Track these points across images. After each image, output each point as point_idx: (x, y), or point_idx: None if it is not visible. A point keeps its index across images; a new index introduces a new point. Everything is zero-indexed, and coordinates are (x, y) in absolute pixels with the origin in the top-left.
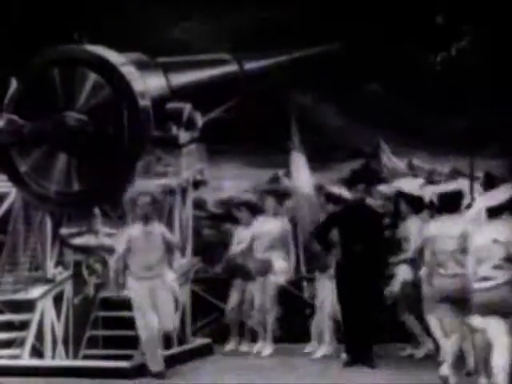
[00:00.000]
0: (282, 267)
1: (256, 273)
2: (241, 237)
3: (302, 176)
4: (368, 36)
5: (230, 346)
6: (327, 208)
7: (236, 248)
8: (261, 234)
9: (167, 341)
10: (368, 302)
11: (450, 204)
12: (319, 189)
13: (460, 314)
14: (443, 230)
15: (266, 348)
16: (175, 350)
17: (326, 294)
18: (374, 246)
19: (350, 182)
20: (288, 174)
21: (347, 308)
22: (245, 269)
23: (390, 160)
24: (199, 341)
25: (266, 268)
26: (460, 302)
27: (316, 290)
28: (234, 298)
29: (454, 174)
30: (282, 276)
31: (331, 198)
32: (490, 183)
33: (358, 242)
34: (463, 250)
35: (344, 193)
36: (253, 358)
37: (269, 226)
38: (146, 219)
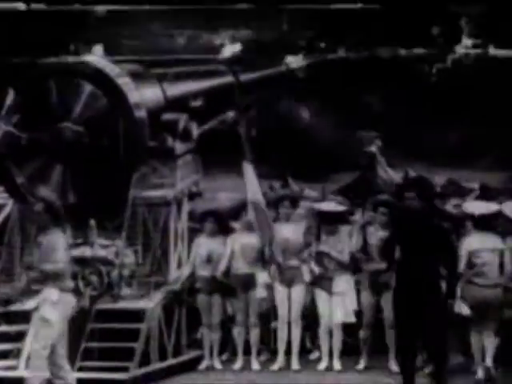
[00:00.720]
0: (265, 281)
1: (240, 289)
2: (203, 249)
3: (253, 186)
4: (364, 47)
5: (204, 363)
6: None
7: (220, 267)
8: (242, 250)
9: (162, 352)
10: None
11: (490, 221)
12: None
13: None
14: (487, 243)
15: (253, 363)
16: (170, 361)
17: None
18: (442, 262)
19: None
20: (284, 185)
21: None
22: (226, 285)
23: (386, 172)
24: (194, 353)
25: (249, 283)
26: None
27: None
28: (215, 315)
29: (450, 186)
30: (264, 290)
31: (323, 216)
32: (485, 195)
33: (423, 258)
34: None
35: (337, 207)
36: (244, 370)
37: (247, 241)
38: (44, 228)
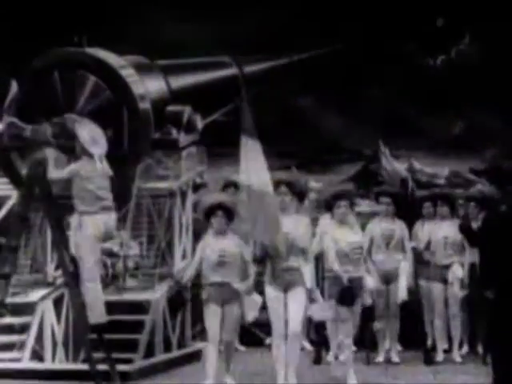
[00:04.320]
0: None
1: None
2: (213, 250)
3: (253, 167)
4: (368, 38)
5: None
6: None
7: (250, 280)
8: None
9: (167, 344)
10: None
11: None
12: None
13: None
14: None
15: None
16: (174, 353)
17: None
18: None
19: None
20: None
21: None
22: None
23: (390, 163)
24: (198, 345)
25: None
26: None
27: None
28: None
29: (453, 177)
30: None
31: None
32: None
33: None
34: None
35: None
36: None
37: None
38: None
